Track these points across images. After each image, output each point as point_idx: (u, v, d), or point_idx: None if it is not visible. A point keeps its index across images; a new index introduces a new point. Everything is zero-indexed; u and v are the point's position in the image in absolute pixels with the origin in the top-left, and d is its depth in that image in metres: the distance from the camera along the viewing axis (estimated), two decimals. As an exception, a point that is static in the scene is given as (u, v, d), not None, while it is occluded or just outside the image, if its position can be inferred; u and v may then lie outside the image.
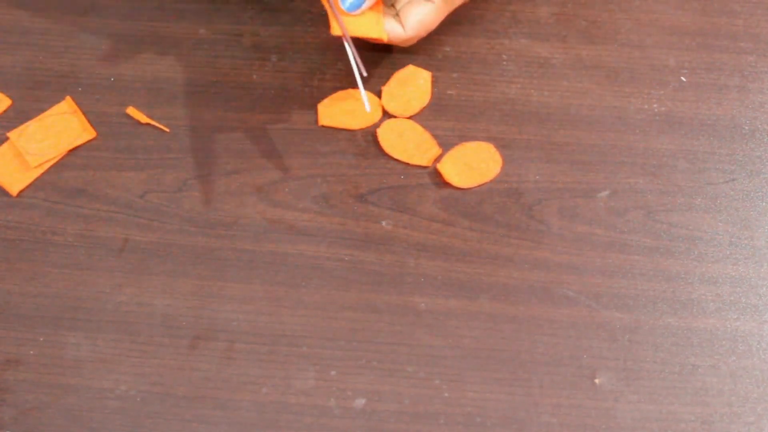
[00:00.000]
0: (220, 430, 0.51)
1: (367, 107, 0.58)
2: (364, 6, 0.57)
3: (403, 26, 0.58)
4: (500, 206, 0.58)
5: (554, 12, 0.65)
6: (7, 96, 0.62)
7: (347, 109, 0.61)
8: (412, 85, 0.62)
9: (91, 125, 0.61)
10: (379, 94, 0.61)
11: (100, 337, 0.54)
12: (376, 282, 0.55)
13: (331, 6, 0.56)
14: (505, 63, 0.63)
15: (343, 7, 0.56)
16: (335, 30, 0.56)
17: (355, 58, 0.57)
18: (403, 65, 0.62)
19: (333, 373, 0.53)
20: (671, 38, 0.64)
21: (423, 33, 0.59)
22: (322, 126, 0.61)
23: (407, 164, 0.59)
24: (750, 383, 0.52)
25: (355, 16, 0.57)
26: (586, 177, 0.59)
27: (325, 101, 0.61)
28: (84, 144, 0.60)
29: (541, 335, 0.54)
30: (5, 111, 0.62)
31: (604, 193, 0.58)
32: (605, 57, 0.63)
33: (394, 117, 0.61)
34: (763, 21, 0.65)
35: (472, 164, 0.59)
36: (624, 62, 0.63)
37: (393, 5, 0.60)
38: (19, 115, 0.61)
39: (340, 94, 0.62)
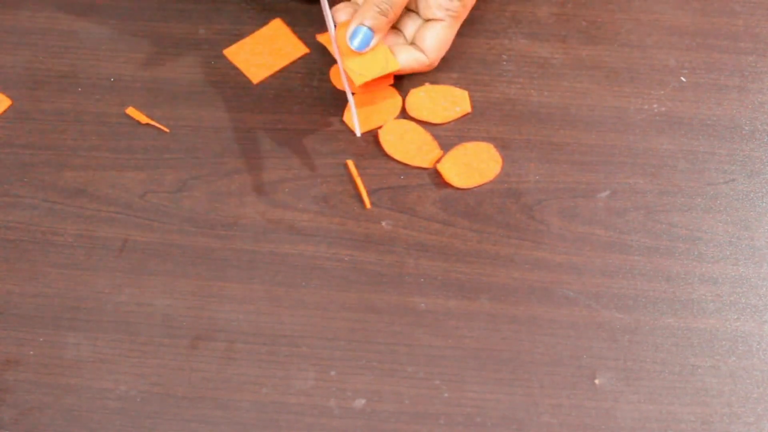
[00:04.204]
0: (220, 430, 0.51)
1: (358, 132, 0.60)
2: (373, 43, 0.57)
3: (424, 52, 0.59)
4: (500, 206, 0.58)
5: (554, 12, 0.65)
6: (7, 96, 0.62)
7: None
8: None
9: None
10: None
11: (100, 337, 0.54)
12: (376, 282, 0.55)
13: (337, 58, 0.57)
14: (505, 63, 0.63)
15: (353, 46, 0.56)
16: (358, 80, 0.57)
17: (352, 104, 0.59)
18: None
19: (333, 373, 0.53)
20: (671, 38, 0.64)
21: (443, 52, 0.61)
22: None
23: (407, 165, 0.59)
24: (750, 383, 0.52)
25: (363, 54, 0.57)
26: (586, 177, 0.59)
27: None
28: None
29: (541, 335, 0.54)
30: (5, 111, 0.62)
31: (604, 193, 0.58)
32: (605, 57, 0.63)
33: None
34: (763, 21, 0.65)
35: (472, 164, 0.59)
36: (624, 62, 0.63)
37: (400, 33, 0.61)
38: (18, 116, 0.61)
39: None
